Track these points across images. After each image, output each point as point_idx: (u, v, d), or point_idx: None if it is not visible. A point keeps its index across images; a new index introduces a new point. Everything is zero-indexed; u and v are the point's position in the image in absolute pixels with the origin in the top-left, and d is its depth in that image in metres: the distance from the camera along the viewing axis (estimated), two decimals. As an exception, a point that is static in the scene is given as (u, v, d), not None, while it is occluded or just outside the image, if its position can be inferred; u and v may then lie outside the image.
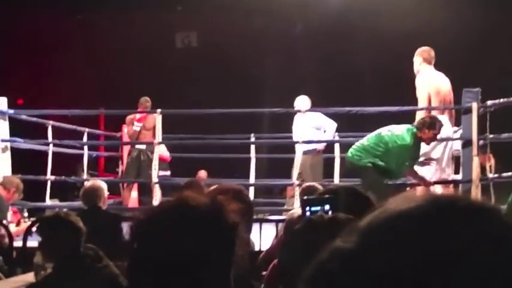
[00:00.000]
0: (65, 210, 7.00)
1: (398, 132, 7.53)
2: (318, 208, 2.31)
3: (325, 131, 9.93)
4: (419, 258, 0.68)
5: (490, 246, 0.68)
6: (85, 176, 11.00)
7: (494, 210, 0.74)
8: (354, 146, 7.76)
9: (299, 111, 9.46)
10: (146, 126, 10.51)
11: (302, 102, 10.04)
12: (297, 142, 9.44)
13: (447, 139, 8.15)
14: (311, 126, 9.89)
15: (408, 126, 7.55)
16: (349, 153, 7.72)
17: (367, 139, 7.63)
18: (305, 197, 2.52)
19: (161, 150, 10.48)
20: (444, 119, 8.05)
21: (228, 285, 1.61)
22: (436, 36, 12.24)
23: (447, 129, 8.08)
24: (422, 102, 8.14)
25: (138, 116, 10.43)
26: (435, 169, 8.03)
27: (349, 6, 13.30)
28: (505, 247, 0.69)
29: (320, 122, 9.86)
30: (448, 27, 12.64)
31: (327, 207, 2.33)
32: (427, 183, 7.61)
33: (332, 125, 9.97)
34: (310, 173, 9.68)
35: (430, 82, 8.13)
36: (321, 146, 9.96)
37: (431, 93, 8.09)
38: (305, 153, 9.88)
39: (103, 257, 4.06)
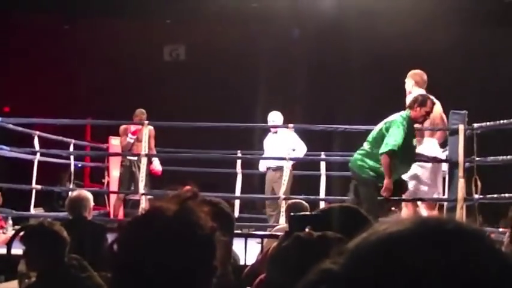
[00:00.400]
0: (49, 219, 6.96)
1: (392, 118, 7.50)
2: (305, 225, 2.26)
3: (294, 150, 9.91)
4: (407, 282, 0.68)
5: (477, 270, 0.68)
6: (71, 186, 10.98)
7: (481, 233, 0.74)
8: (358, 151, 7.70)
9: (286, 127, 9.46)
10: (139, 138, 10.49)
11: (277, 117, 10.07)
12: (284, 159, 9.44)
13: (437, 160, 8.18)
14: (284, 143, 9.91)
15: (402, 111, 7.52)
16: (353, 160, 7.66)
17: (368, 142, 7.57)
18: (292, 214, 2.53)
19: (154, 164, 10.47)
20: (434, 142, 8.09)
21: None
22: (428, 52, 12.36)
23: (437, 151, 8.14)
24: None
25: (133, 128, 10.38)
26: (427, 189, 8.05)
27: (343, 21, 13.34)
28: (492, 271, 0.69)
29: (292, 141, 9.85)
30: (441, 46, 12.71)
31: (314, 224, 2.34)
32: (387, 187, 7.33)
33: (303, 147, 9.96)
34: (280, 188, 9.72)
35: None
36: (291, 163, 9.95)
37: None
38: (275, 169, 9.92)
39: (87, 267, 4.04)
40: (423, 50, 12.44)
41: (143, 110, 10.55)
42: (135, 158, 10.35)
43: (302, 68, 14.06)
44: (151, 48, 14.79)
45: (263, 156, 10.16)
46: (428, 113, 7.48)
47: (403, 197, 8.02)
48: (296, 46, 14.34)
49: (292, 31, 14.30)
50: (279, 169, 9.88)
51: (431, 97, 8.01)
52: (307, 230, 2.07)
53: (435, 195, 8.18)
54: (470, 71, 12.81)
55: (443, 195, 8.46)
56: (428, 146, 8.11)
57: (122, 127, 10.63)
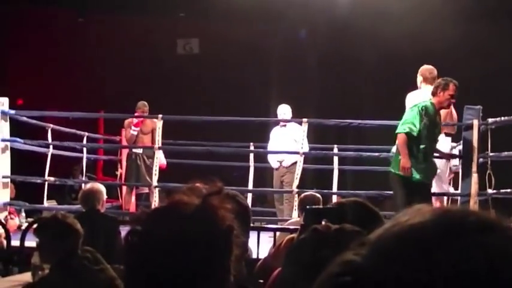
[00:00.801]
0: (62, 212, 6.98)
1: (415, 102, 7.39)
2: (320, 218, 2.28)
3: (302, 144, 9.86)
4: (430, 272, 0.68)
5: (500, 263, 0.68)
6: (84, 178, 11.02)
7: (504, 225, 0.74)
8: (392, 158, 7.64)
9: (300, 121, 9.42)
10: (144, 131, 10.51)
11: (287, 110, 10.04)
12: (297, 153, 9.42)
13: (448, 155, 8.16)
14: (293, 137, 9.88)
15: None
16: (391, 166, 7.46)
17: (396, 145, 7.39)
18: (308, 207, 2.51)
19: (159, 158, 10.47)
20: (443, 136, 8.04)
21: None
22: (441, 49, 12.30)
23: (446, 146, 8.10)
24: None
25: (135, 120, 10.42)
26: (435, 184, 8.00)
27: (353, 19, 13.32)
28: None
29: (300, 135, 9.79)
30: (454, 42, 12.65)
31: (329, 217, 2.32)
32: (404, 165, 7.14)
33: (307, 145, 9.90)
34: (289, 180, 9.71)
35: (417, 101, 7.98)
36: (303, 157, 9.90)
37: None
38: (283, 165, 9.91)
39: (100, 260, 4.04)
40: (433, 46, 12.37)
41: (145, 102, 10.58)
42: (140, 151, 10.38)
43: (314, 62, 14.05)
44: (165, 42, 14.78)
45: (273, 150, 10.08)
46: (452, 96, 7.23)
47: None
48: (308, 41, 14.32)
49: (300, 32, 14.29)
50: (287, 164, 9.86)
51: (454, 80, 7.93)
52: (323, 223, 2.06)
53: (443, 190, 8.15)
54: (481, 66, 12.73)
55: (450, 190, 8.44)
56: (441, 141, 8.05)
57: (127, 121, 10.66)
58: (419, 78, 8.16)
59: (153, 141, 10.37)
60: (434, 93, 7.29)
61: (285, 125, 10.05)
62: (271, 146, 10.22)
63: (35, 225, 6.95)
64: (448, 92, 7.22)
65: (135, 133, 10.49)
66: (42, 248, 4.19)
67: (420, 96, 7.84)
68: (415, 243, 0.71)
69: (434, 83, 7.93)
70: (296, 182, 9.12)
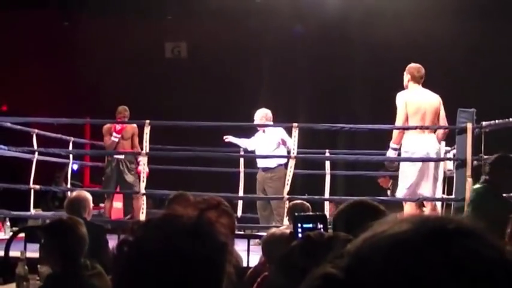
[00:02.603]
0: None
1: None
2: (310, 225, 2.34)
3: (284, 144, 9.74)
4: (409, 283, 0.68)
5: (479, 269, 0.69)
6: (69, 186, 10.85)
7: (482, 232, 0.74)
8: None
9: (291, 126, 9.25)
10: (124, 136, 10.37)
11: (257, 116, 9.91)
12: (290, 157, 9.25)
13: (438, 159, 8.05)
14: (274, 141, 9.76)
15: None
16: None
17: None
18: (297, 214, 2.52)
19: (141, 164, 10.31)
20: (429, 137, 7.91)
21: None
22: (432, 50, 12.25)
23: (432, 147, 7.97)
24: (398, 121, 7.98)
25: (118, 127, 10.23)
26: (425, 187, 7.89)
27: (345, 19, 13.25)
28: (495, 270, 0.69)
29: (279, 137, 9.68)
30: (446, 42, 12.63)
31: (319, 225, 2.35)
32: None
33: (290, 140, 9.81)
34: (272, 187, 9.63)
35: (409, 102, 7.92)
36: (284, 161, 9.79)
37: (409, 112, 7.90)
38: (266, 169, 9.78)
39: (97, 268, 3.95)
40: (426, 46, 12.34)
41: (126, 107, 10.47)
42: (122, 157, 10.24)
43: (304, 65, 13.96)
44: (153, 45, 14.65)
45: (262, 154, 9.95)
46: None
47: (402, 196, 7.90)
48: (298, 43, 14.22)
49: (296, 28, 14.17)
50: (269, 170, 9.75)
51: (425, 90, 7.86)
52: (317, 231, 2.10)
53: (435, 194, 8.05)
54: (474, 66, 12.68)
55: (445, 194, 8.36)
56: (429, 142, 7.93)
57: (106, 126, 10.52)
58: (406, 77, 8.06)
59: (133, 146, 10.25)
60: None
61: (263, 131, 9.92)
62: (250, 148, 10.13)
63: (20, 235, 6.86)
64: None
65: (116, 140, 10.34)
66: (46, 251, 4.09)
67: (402, 99, 7.85)
68: (394, 255, 0.70)
69: (421, 81, 7.88)
70: (287, 188, 8.97)
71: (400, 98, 7.93)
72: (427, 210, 7.97)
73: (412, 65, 8.12)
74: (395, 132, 8.03)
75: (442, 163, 8.26)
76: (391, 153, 8.12)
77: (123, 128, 10.11)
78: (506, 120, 8.02)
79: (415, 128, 7.85)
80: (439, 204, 8.51)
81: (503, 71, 12.37)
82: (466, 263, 0.69)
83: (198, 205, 1.57)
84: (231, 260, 1.58)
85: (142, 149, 9.40)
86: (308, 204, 6.90)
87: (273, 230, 4.60)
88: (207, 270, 1.50)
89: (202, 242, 1.50)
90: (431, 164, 7.96)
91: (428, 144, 7.90)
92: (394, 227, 0.73)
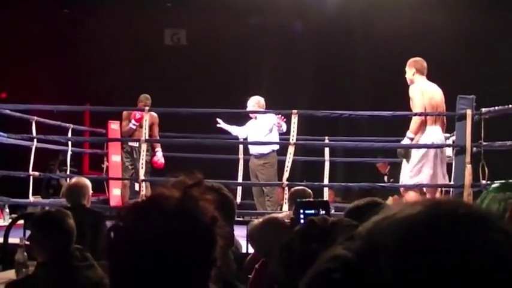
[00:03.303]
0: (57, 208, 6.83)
1: None
2: (312, 211, 2.34)
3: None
4: (423, 266, 0.68)
5: (490, 254, 0.69)
6: (68, 172, 10.84)
7: (494, 217, 0.75)
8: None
9: (290, 113, 9.24)
10: (143, 125, 10.29)
11: (250, 103, 9.92)
12: (289, 143, 9.24)
13: (440, 145, 8.07)
14: (266, 127, 9.79)
15: None
16: None
17: None
18: (299, 200, 2.50)
19: (157, 156, 10.29)
20: (437, 129, 7.95)
21: (207, 284, 1.58)
22: (433, 40, 12.24)
23: (440, 138, 8.01)
24: (418, 109, 8.01)
25: (138, 114, 10.12)
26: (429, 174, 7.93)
27: (345, 11, 13.23)
28: (506, 254, 0.70)
29: (271, 123, 9.71)
30: (445, 32, 12.60)
31: (321, 211, 2.34)
32: None
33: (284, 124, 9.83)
34: (264, 173, 9.68)
35: (425, 93, 8.01)
36: (276, 147, 9.83)
37: (425, 103, 7.97)
38: (258, 156, 9.81)
39: (89, 258, 3.92)
40: (425, 38, 12.34)
41: (148, 96, 10.35)
42: (137, 144, 10.15)
43: (304, 55, 13.94)
44: (152, 32, 14.61)
45: (270, 140, 9.96)
46: None
47: (405, 183, 7.95)
48: (298, 35, 14.21)
49: (296, 25, 14.17)
50: (262, 156, 9.78)
51: (432, 83, 7.92)
52: (321, 216, 2.05)
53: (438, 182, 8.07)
54: (475, 56, 12.67)
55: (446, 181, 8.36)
56: (431, 133, 7.96)
57: (126, 112, 10.41)
58: (411, 71, 8.12)
59: (152, 135, 10.16)
60: None
61: (256, 118, 9.94)
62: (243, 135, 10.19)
63: (19, 221, 6.86)
64: None
65: (134, 127, 10.26)
66: (34, 244, 4.08)
67: (418, 92, 7.96)
68: (405, 236, 0.70)
69: (425, 73, 7.93)
70: (286, 175, 8.97)
71: (416, 89, 7.99)
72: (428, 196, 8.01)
73: (415, 58, 8.22)
74: (414, 122, 8.02)
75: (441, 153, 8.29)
76: (406, 142, 8.12)
77: (142, 117, 10.01)
78: (506, 106, 8.02)
79: (426, 114, 7.89)
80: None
81: (503, 59, 12.37)
82: (475, 247, 0.70)
83: (181, 185, 1.57)
84: (222, 233, 1.59)
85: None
86: (310, 191, 6.80)
87: (256, 220, 4.60)
88: (196, 247, 1.52)
89: (188, 220, 1.53)
90: (442, 153, 8.02)
91: (438, 136, 7.97)
92: (405, 210, 0.74)
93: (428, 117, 8.00)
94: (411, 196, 7.92)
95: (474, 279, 0.68)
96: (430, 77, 8.17)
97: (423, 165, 7.97)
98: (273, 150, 9.82)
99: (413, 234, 0.71)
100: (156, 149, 10.29)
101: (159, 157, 10.27)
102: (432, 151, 7.98)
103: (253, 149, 9.96)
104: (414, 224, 0.72)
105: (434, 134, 8.00)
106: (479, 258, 0.69)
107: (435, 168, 7.97)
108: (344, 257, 0.72)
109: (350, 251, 0.72)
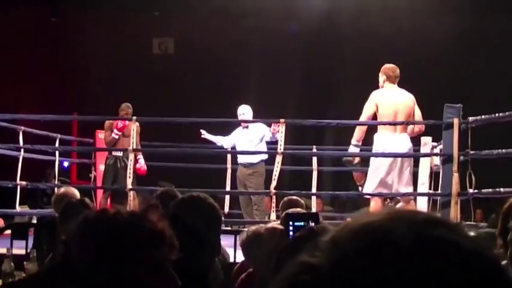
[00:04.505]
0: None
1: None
2: (302, 223, 2.37)
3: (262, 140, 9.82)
4: (381, 269, 0.70)
5: (450, 257, 0.71)
6: (56, 182, 10.79)
7: (451, 222, 0.77)
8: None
9: (278, 121, 9.23)
10: (125, 134, 10.23)
11: (246, 111, 9.93)
12: (277, 153, 9.24)
13: (427, 154, 8.09)
14: (256, 137, 9.80)
15: None
16: None
17: None
18: (288, 211, 2.49)
19: (140, 163, 10.23)
20: (401, 137, 7.94)
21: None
22: (422, 45, 12.27)
23: (406, 146, 8.00)
24: (362, 117, 8.05)
25: (120, 124, 10.06)
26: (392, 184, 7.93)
27: (335, 15, 13.25)
28: (466, 258, 0.72)
29: (262, 133, 9.72)
30: (438, 39, 12.64)
31: (311, 223, 2.32)
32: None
33: (264, 145, 9.90)
34: (253, 183, 9.69)
35: (381, 102, 7.99)
36: (265, 157, 9.84)
37: (380, 112, 7.98)
38: (246, 165, 9.81)
39: None
40: (415, 43, 12.36)
41: (129, 104, 10.28)
42: (121, 154, 10.10)
43: (293, 63, 13.95)
44: (140, 41, 14.59)
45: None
46: None
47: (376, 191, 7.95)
48: (287, 41, 14.21)
49: (292, 26, 14.17)
50: (251, 165, 9.77)
51: (400, 90, 7.93)
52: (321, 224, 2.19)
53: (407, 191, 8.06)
54: (463, 62, 12.71)
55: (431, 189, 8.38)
56: (400, 141, 7.96)
57: (108, 122, 10.33)
58: (382, 77, 8.17)
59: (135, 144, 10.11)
60: None
61: (247, 126, 9.93)
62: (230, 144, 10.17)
63: (6, 231, 6.82)
64: None
65: (117, 137, 10.19)
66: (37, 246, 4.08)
67: (372, 98, 8.01)
68: (369, 239, 0.73)
69: (396, 81, 7.96)
70: (273, 184, 8.96)
71: (371, 98, 8.04)
72: (401, 205, 8.01)
73: (387, 65, 8.23)
74: (357, 130, 8.14)
75: (424, 160, 8.29)
76: (352, 150, 8.20)
77: (124, 126, 9.94)
78: (493, 115, 8.04)
79: (414, 123, 7.93)
80: (422, 200, 8.54)
81: (492, 67, 12.42)
82: (435, 250, 0.71)
83: (140, 205, 1.78)
84: (172, 242, 1.81)
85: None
86: (303, 202, 6.64)
87: (246, 230, 4.55)
88: (138, 255, 1.77)
89: (132, 233, 1.78)
90: (402, 162, 8.00)
91: (400, 142, 7.94)
92: (366, 218, 0.76)
93: (387, 126, 7.98)
94: (372, 205, 7.97)
95: (433, 277, 0.70)
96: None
97: (374, 172, 7.99)
98: (262, 160, 9.82)
99: (372, 236, 0.73)
100: (138, 157, 10.23)
101: (142, 164, 10.21)
102: (387, 159, 7.97)
103: (242, 159, 9.94)
104: (375, 228, 0.74)
105: (394, 141, 7.94)
106: (438, 262, 0.71)
107: (386, 176, 7.92)
108: (309, 261, 0.74)
109: (315, 257, 0.74)
